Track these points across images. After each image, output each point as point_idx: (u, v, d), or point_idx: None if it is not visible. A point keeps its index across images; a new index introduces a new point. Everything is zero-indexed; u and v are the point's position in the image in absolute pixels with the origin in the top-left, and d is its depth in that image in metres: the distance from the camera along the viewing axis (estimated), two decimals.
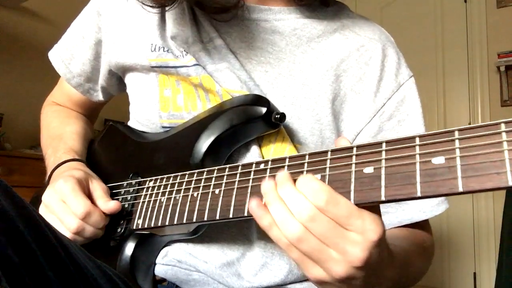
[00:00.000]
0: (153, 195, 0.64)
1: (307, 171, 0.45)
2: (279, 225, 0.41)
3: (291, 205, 0.41)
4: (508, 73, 2.83)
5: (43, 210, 0.63)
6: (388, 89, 0.70)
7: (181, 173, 0.60)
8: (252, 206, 0.44)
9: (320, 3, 0.73)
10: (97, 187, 0.66)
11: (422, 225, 0.69)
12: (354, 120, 0.69)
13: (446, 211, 0.69)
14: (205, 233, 0.63)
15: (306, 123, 0.67)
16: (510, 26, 2.87)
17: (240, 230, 0.66)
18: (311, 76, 0.68)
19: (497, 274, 1.86)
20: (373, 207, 0.41)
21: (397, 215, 0.67)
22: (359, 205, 0.40)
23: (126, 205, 0.67)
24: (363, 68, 0.70)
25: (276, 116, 0.61)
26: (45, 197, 0.63)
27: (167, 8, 0.69)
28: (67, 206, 0.61)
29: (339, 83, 0.69)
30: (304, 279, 0.67)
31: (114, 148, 0.79)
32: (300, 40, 0.70)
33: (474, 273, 2.79)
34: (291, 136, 0.67)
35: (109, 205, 0.64)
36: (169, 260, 0.67)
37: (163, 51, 0.70)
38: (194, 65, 0.68)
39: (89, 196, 0.64)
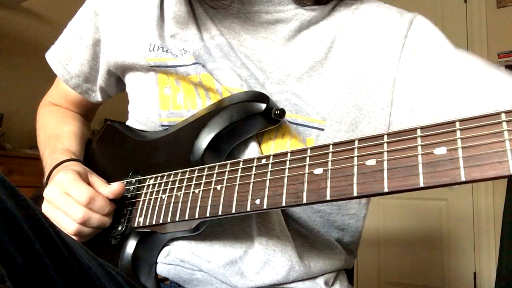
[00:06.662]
0: (154, 193, 0.63)
1: (309, 165, 0.45)
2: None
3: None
4: None
5: (46, 207, 0.63)
6: (401, 28, 0.70)
7: (182, 170, 0.60)
8: None
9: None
10: (97, 179, 0.66)
11: None
12: (379, 77, 0.69)
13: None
14: (207, 231, 0.63)
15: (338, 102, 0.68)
16: (510, 26, 2.87)
17: (242, 228, 0.66)
18: (316, 56, 0.69)
19: (497, 274, 1.86)
20: None
21: None
22: (362, 197, 0.40)
23: (127, 203, 0.67)
24: (367, 32, 0.71)
25: (276, 112, 0.62)
26: (46, 192, 0.63)
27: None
28: (70, 196, 0.61)
29: (340, 58, 0.70)
30: (306, 277, 0.67)
31: (113, 147, 0.79)
32: (301, 24, 0.71)
33: (474, 273, 2.79)
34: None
35: (112, 188, 0.64)
36: (172, 260, 0.67)
37: (162, 51, 0.70)
38: (193, 63, 0.68)
39: None
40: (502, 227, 1.85)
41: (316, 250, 0.70)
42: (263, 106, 0.61)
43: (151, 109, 0.72)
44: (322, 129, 0.67)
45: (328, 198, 0.41)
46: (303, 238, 0.70)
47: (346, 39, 0.71)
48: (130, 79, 0.77)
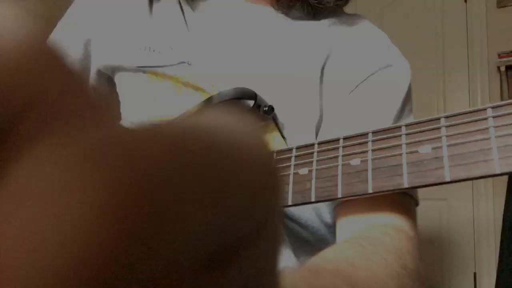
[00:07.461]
0: None
1: (295, 165, 0.43)
2: None
3: None
4: (508, 73, 2.82)
5: None
6: (376, 62, 0.67)
7: None
8: None
9: (310, 13, 0.71)
10: None
11: None
12: (335, 95, 0.66)
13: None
14: None
15: (294, 111, 0.66)
16: (510, 26, 2.85)
17: None
18: (297, 63, 0.67)
19: (497, 274, 1.85)
20: None
21: None
22: (347, 198, 0.38)
23: None
24: (350, 50, 0.68)
25: (264, 108, 0.61)
26: None
27: None
28: None
29: (325, 69, 0.67)
30: None
31: None
32: (287, 32, 0.69)
33: (474, 273, 2.77)
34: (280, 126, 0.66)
35: None
36: None
37: (149, 50, 0.70)
38: (180, 63, 0.68)
39: None
40: (502, 227, 1.84)
41: (309, 246, 0.69)
42: (251, 103, 0.61)
43: (141, 109, 0.71)
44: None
45: (313, 199, 0.40)
46: (297, 235, 0.69)
47: (325, 60, 0.67)
48: (120, 80, 0.76)
